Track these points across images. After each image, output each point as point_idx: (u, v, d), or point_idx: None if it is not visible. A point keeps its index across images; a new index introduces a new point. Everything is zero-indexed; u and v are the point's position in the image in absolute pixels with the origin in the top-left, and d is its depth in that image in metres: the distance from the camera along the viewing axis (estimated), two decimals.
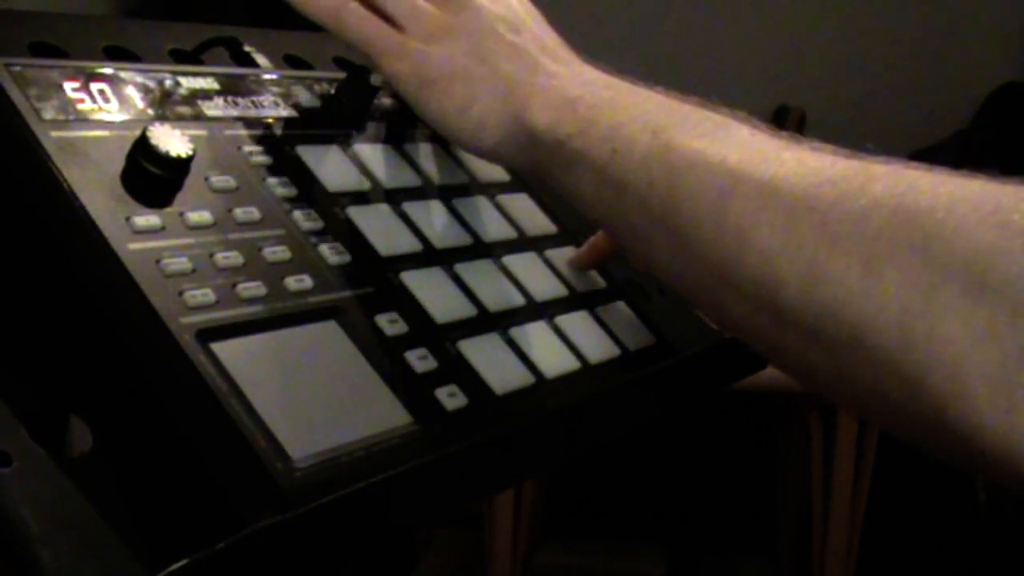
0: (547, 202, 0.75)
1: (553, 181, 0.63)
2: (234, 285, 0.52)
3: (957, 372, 0.45)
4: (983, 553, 2.36)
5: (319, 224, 0.59)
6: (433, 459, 0.51)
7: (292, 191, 0.60)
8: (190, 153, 0.54)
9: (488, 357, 0.59)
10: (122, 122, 0.56)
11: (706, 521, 2.85)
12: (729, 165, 0.55)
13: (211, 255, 0.52)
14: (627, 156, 0.59)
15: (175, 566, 0.42)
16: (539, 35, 0.66)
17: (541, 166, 0.63)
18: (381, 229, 0.62)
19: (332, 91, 0.69)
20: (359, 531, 0.50)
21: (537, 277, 0.67)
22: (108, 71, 0.58)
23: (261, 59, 0.69)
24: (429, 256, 0.63)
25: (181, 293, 0.49)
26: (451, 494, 0.56)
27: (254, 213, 0.56)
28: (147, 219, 0.51)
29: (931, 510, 2.53)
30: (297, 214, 0.58)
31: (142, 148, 0.53)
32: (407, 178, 0.67)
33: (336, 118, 0.67)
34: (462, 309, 0.61)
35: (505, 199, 0.72)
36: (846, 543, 2.12)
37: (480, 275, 0.64)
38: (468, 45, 0.63)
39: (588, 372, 0.64)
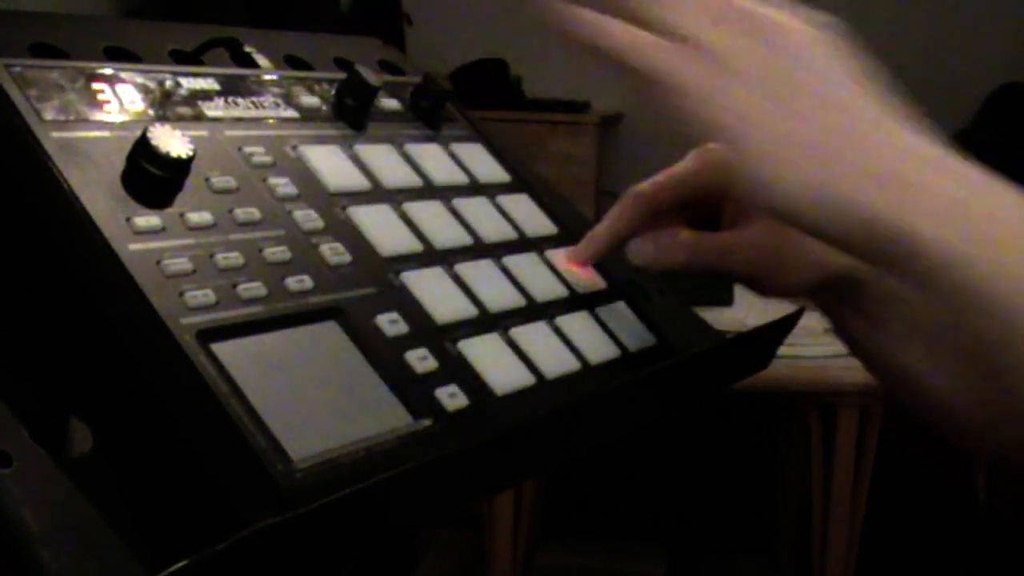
0: (547, 203, 0.75)
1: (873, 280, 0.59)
2: (234, 285, 0.52)
3: None
4: (982, 553, 2.37)
5: (319, 224, 0.59)
6: (433, 459, 0.51)
7: (292, 191, 0.60)
8: (190, 154, 0.54)
9: (488, 357, 0.59)
10: (122, 123, 0.56)
11: (706, 521, 2.85)
12: None
13: (211, 255, 0.52)
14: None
15: (175, 566, 0.42)
16: (851, 75, 0.58)
17: (861, 252, 0.56)
18: (382, 229, 0.62)
19: (333, 91, 0.69)
20: (359, 531, 0.50)
21: (537, 277, 0.67)
22: (108, 72, 0.58)
23: (261, 60, 0.69)
24: (430, 256, 0.63)
25: (181, 294, 0.49)
26: (451, 494, 0.56)
27: (254, 213, 0.56)
28: (147, 220, 0.52)
29: (931, 510, 2.53)
30: (297, 214, 0.58)
31: (142, 149, 0.53)
32: (408, 178, 0.67)
33: (337, 118, 0.67)
34: (462, 309, 0.61)
35: (505, 200, 0.72)
36: (846, 543, 2.12)
37: (480, 275, 0.64)
38: (820, 103, 0.55)
39: (588, 372, 0.64)
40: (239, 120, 0.62)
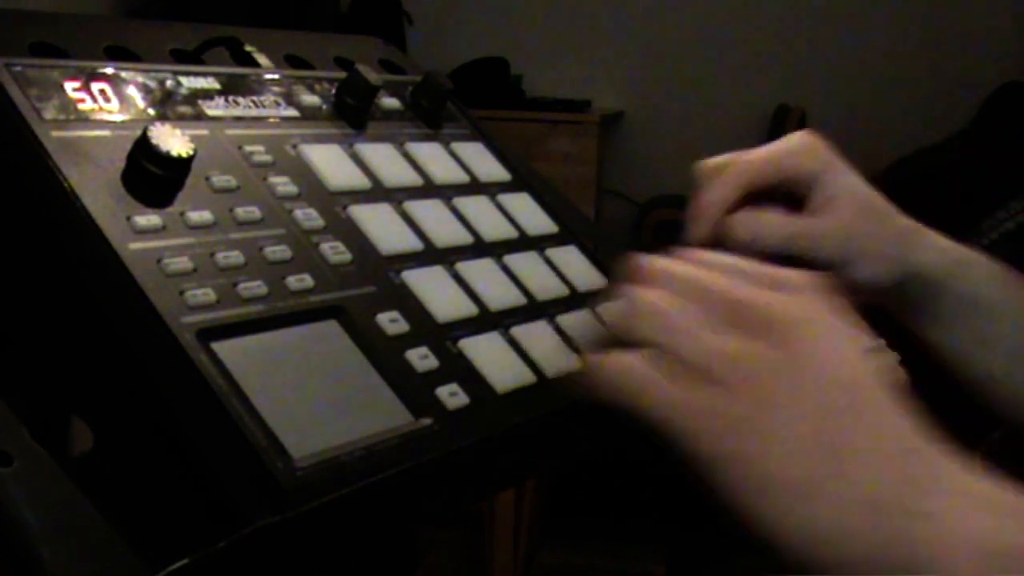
0: (548, 202, 0.75)
1: None
2: (235, 284, 0.52)
3: None
4: None
5: (320, 223, 0.59)
6: (434, 458, 0.51)
7: (293, 190, 0.60)
8: (191, 153, 0.54)
9: (489, 356, 0.59)
10: (123, 122, 0.56)
11: (707, 521, 2.85)
12: None
13: (212, 255, 0.52)
14: None
15: (176, 565, 0.42)
16: (892, 410, 0.48)
17: None
18: (382, 228, 0.62)
19: (333, 91, 0.69)
20: (360, 530, 0.50)
21: (538, 276, 0.67)
22: (109, 71, 0.58)
23: (262, 59, 0.69)
24: (430, 255, 0.63)
25: (182, 293, 0.49)
26: (452, 493, 0.56)
27: (255, 212, 0.56)
28: (148, 219, 0.51)
29: None
30: (298, 213, 0.58)
31: (143, 148, 0.53)
32: (408, 177, 0.67)
33: (337, 117, 0.67)
34: (463, 308, 0.61)
35: (506, 198, 0.72)
36: None
37: (481, 274, 0.64)
38: (813, 430, 0.46)
39: None
40: (239, 119, 0.62)
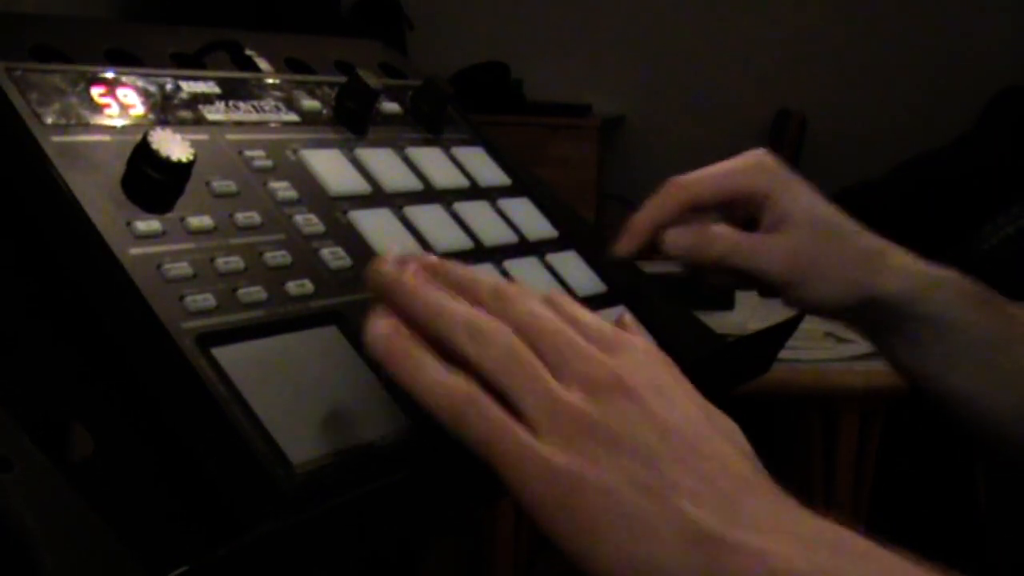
0: (548, 207, 0.75)
1: None
2: (235, 290, 0.52)
3: None
4: (984, 555, 2.36)
5: (320, 228, 0.59)
6: (434, 465, 0.51)
7: (293, 195, 0.59)
8: (191, 158, 0.54)
9: None
10: (123, 127, 0.56)
11: None
12: None
13: (212, 260, 0.52)
14: None
15: (176, 572, 0.42)
16: (721, 450, 0.48)
17: None
18: (383, 233, 0.62)
19: (334, 95, 0.69)
20: (360, 536, 0.50)
21: (538, 282, 0.67)
22: (110, 75, 0.58)
23: (262, 63, 0.69)
24: None
25: (182, 298, 0.49)
26: (452, 500, 0.55)
27: (255, 217, 0.56)
28: (148, 224, 0.51)
29: (932, 512, 2.53)
30: (298, 218, 0.58)
31: (143, 153, 0.53)
32: (409, 182, 0.67)
33: (337, 122, 0.67)
34: None
35: (506, 203, 0.72)
36: None
37: None
38: (635, 468, 0.46)
39: None
40: (240, 124, 0.62)
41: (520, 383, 0.48)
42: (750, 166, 0.73)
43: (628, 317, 0.55)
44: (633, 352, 0.50)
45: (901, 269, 0.73)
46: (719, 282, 0.76)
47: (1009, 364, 0.74)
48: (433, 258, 0.53)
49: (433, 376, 0.48)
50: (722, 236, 0.71)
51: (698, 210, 0.72)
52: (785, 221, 0.72)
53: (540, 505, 0.46)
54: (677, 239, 0.70)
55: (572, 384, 0.48)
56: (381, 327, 0.49)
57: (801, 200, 0.73)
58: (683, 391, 0.50)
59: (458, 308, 0.49)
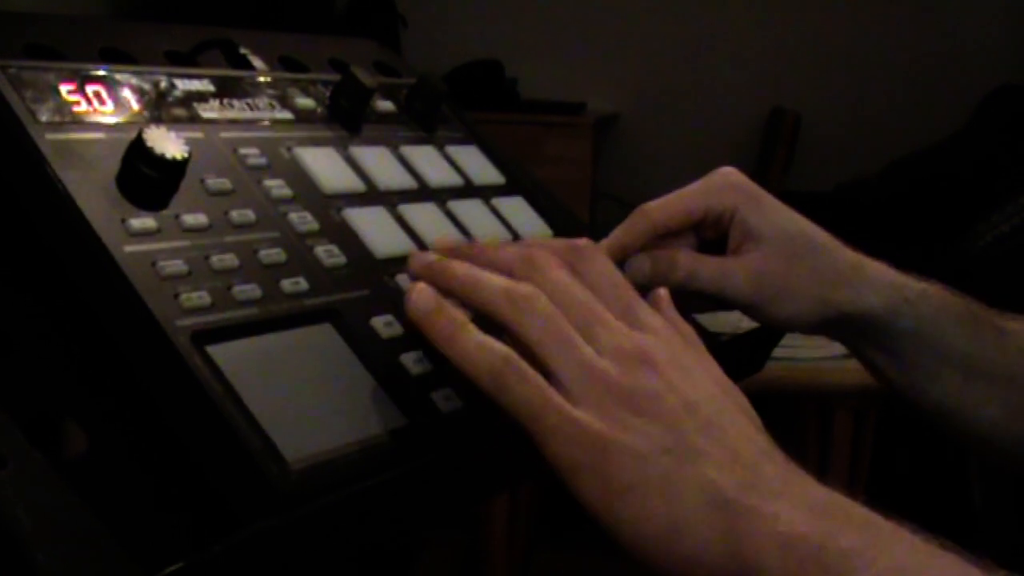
0: (542, 205, 0.75)
1: None
2: (229, 287, 0.52)
3: None
4: (979, 555, 2.37)
5: (315, 226, 0.59)
6: (428, 462, 0.51)
7: (287, 193, 0.59)
8: (185, 155, 0.54)
9: None
10: (118, 124, 0.56)
11: None
12: None
13: (207, 257, 0.52)
14: None
15: (171, 568, 0.42)
16: (746, 426, 0.52)
17: None
18: (377, 231, 0.62)
19: (328, 93, 0.69)
20: (355, 533, 0.50)
21: None
22: (104, 73, 0.58)
23: (256, 61, 0.69)
24: None
25: (177, 295, 0.49)
26: (447, 496, 0.56)
27: (249, 215, 0.56)
28: (142, 221, 0.51)
29: (925, 512, 2.54)
30: (293, 216, 0.58)
31: (138, 150, 0.53)
32: (403, 180, 0.67)
33: (332, 120, 0.67)
34: None
35: (500, 202, 0.72)
36: None
37: None
38: (663, 435, 0.50)
39: None
40: (234, 122, 0.62)
41: (557, 350, 0.51)
42: (715, 185, 0.72)
43: (663, 292, 0.59)
44: (655, 327, 0.54)
45: (880, 283, 0.72)
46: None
47: (992, 376, 0.73)
48: (466, 244, 0.58)
49: (474, 339, 0.51)
50: (682, 261, 0.71)
51: (669, 235, 0.72)
52: (753, 238, 0.71)
53: (573, 467, 0.50)
54: (638, 266, 0.71)
55: (603, 354, 0.52)
56: (421, 293, 0.53)
57: (770, 216, 0.72)
58: (702, 368, 0.54)
59: (494, 279, 0.54)
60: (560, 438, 0.50)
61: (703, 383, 0.53)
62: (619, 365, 0.51)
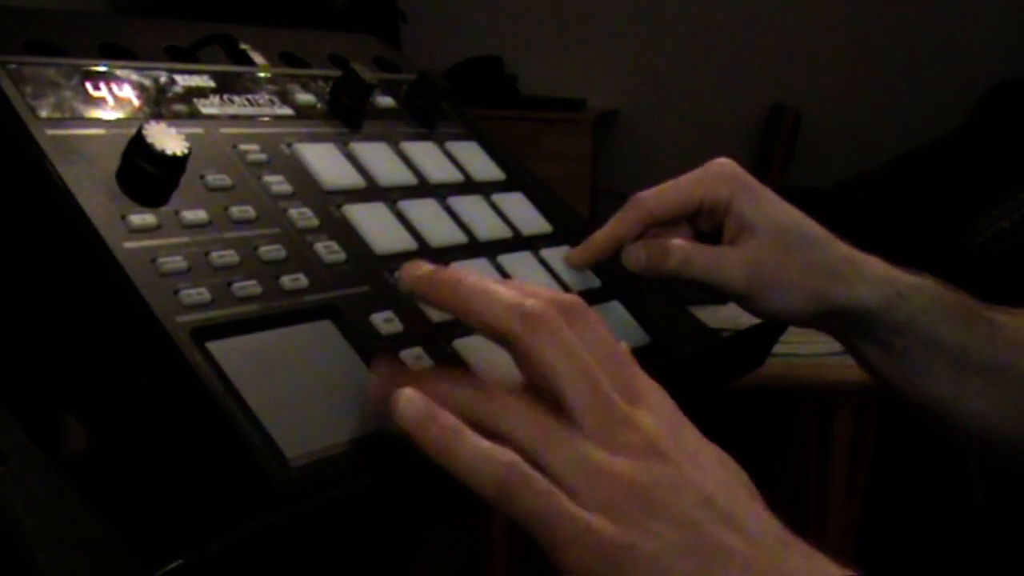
0: (542, 201, 0.75)
1: None
2: (229, 284, 0.52)
3: None
4: (978, 552, 2.37)
5: (315, 222, 0.59)
6: (428, 459, 0.51)
7: (288, 189, 0.59)
8: (186, 151, 0.54)
9: (483, 356, 0.58)
10: (118, 120, 0.56)
11: None
12: None
13: (207, 254, 0.52)
14: None
15: (171, 565, 0.42)
16: (760, 512, 0.49)
17: None
18: (377, 227, 0.62)
19: (328, 89, 0.68)
20: (354, 529, 0.50)
21: (532, 276, 0.67)
22: (104, 69, 0.58)
23: (257, 57, 0.69)
24: (425, 255, 0.63)
25: (176, 292, 0.49)
26: (446, 493, 0.55)
27: (249, 211, 0.56)
28: (143, 218, 0.51)
29: (927, 509, 2.53)
30: (293, 212, 0.58)
31: (138, 146, 0.53)
32: (403, 176, 0.67)
33: (332, 116, 0.67)
34: None
35: (501, 198, 0.72)
36: (842, 543, 2.12)
37: None
38: (682, 536, 0.47)
39: None
40: (234, 118, 0.62)
41: (555, 452, 0.47)
42: (711, 176, 0.73)
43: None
44: (650, 401, 0.51)
45: (873, 277, 0.73)
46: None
47: (983, 370, 0.73)
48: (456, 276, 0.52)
49: (473, 447, 0.47)
50: (676, 249, 0.71)
51: (663, 224, 0.72)
52: (747, 230, 0.71)
53: (588, 574, 0.46)
54: (633, 254, 0.71)
55: (605, 446, 0.48)
56: (410, 401, 0.48)
57: (764, 208, 0.72)
58: (704, 447, 0.51)
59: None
60: (575, 548, 0.46)
61: (710, 466, 0.50)
62: (625, 459, 0.47)
